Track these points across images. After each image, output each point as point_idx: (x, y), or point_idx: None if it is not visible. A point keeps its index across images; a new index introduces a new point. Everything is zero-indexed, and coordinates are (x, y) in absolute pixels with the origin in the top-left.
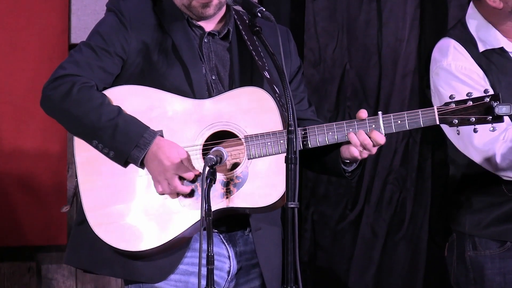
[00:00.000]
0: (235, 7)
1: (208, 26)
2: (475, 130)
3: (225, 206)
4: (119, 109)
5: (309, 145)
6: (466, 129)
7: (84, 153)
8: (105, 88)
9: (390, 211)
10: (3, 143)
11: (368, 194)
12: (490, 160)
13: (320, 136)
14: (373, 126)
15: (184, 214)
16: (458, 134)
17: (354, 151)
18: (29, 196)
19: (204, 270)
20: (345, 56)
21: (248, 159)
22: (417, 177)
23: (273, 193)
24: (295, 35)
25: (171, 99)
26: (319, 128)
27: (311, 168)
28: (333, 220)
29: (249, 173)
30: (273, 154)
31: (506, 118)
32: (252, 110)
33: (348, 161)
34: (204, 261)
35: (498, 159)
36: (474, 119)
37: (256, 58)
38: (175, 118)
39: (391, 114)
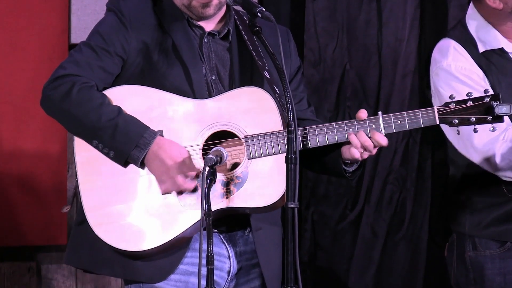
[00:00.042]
0: (235, 7)
1: (208, 26)
2: (475, 130)
3: (225, 206)
4: (119, 109)
5: (309, 145)
6: (466, 129)
7: (84, 153)
8: (105, 88)
9: (390, 211)
10: (3, 143)
11: (368, 194)
12: (489, 160)
13: (320, 136)
14: (373, 126)
15: (184, 214)
16: (458, 134)
17: (355, 153)
18: (29, 196)
19: (204, 270)
20: (345, 56)
21: (248, 159)
22: (417, 177)
23: (273, 193)
24: (295, 35)
25: (171, 99)
26: (319, 128)
27: (311, 168)
28: (333, 220)
29: (249, 173)
30: (273, 154)
31: (506, 118)
32: (252, 110)
33: (348, 161)
34: (204, 261)
35: (497, 159)
36: (474, 119)
37: (256, 58)
38: (175, 118)
39: (391, 114)
